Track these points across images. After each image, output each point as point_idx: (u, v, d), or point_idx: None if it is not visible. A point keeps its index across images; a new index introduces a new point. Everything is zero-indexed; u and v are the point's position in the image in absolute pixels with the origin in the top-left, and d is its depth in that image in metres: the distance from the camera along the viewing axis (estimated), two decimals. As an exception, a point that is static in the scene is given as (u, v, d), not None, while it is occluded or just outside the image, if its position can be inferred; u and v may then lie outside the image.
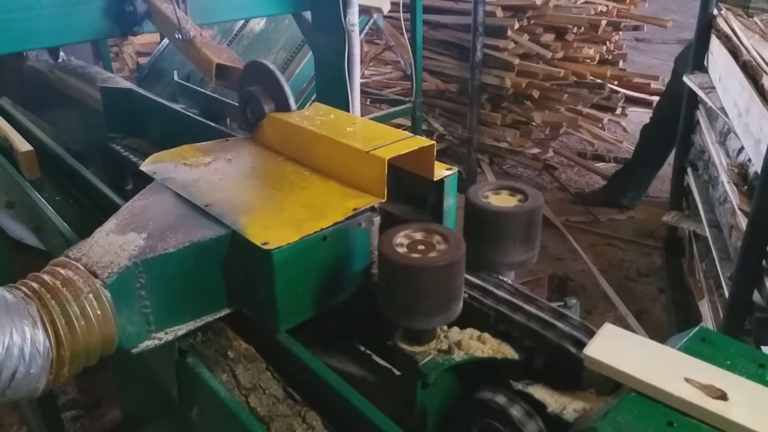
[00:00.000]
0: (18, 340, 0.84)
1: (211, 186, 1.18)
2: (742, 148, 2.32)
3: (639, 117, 5.12)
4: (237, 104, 1.45)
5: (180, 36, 1.66)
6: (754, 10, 3.09)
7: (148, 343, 1.01)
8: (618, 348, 0.86)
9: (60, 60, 2.60)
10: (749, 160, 2.22)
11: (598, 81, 4.72)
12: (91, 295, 0.91)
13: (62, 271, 0.93)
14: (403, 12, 3.69)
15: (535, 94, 4.57)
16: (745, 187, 2.19)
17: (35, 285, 0.91)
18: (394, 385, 1.02)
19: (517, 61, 4.46)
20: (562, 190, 4.75)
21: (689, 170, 3.20)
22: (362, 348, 1.17)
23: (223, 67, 1.57)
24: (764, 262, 1.98)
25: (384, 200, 1.11)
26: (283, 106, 1.34)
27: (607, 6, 4.71)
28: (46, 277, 0.92)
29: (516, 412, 0.88)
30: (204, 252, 1.02)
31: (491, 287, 1.09)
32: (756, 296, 2.02)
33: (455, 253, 0.94)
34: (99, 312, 0.91)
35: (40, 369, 0.87)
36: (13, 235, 3.06)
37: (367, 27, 3.56)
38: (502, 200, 1.15)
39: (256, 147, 1.36)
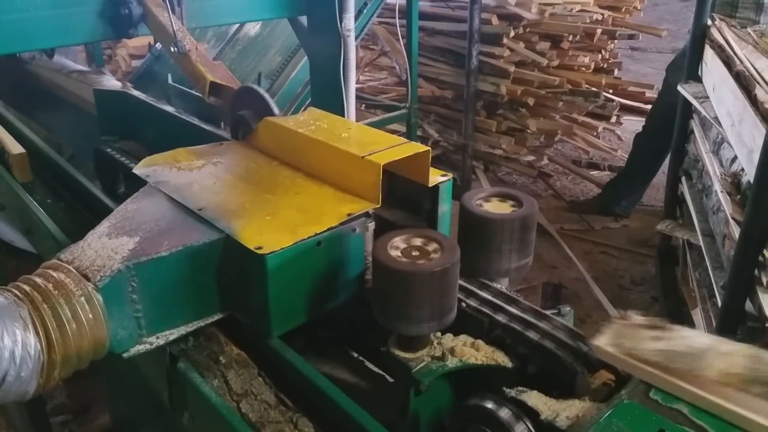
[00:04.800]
0: (9, 343, 0.84)
1: (205, 190, 1.18)
2: (735, 158, 2.33)
3: (634, 125, 5.14)
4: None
5: (176, 49, 1.66)
6: (740, 20, 3.11)
7: (139, 348, 1.00)
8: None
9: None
10: (742, 169, 2.23)
11: (593, 89, 4.74)
12: (82, 299, 0.90)
13: (54, 274, 0.92)
14: (399, 18, 3.70)
15: (531, 101, 4.58)
16: (738, 197, 2.20)
17: (27, 288, 0.90)
18: (387, 391, 1.02)
19: (512, 68, 4.47)
20: (556, 197, 4.75)
21: (683, 179, 3.21)
22: (355, 354, 1.17)
23: (217, 85, 1.58)
24: (756, 272, 1.98)
25: (378, 206, 1.11)
26: None
27: (602, 15, 4.74)
28: (38, 280, 0.92)
29: (504, 414, 0.87)
30: (197, 256, 1.02)
31: (485, 294, 1.09)
32: (748, 305, 2.02)
33: (449, 260, 0.94)
34: (90, 315, 0.91)
35: (31, 372, 0.86)
36: (3, 238, 3.04)
37: (362, 32, 3.57)
38: (497, 207, 1.15)
39: (251, 151, 1.36)
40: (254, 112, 1.37)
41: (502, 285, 1.15)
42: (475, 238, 1.12)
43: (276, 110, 1.35)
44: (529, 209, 1.13)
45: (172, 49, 1.67)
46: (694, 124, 3.09)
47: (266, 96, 1.36)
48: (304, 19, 2.53)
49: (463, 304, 1.06)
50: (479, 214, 1.11)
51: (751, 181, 2.00)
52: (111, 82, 2.04)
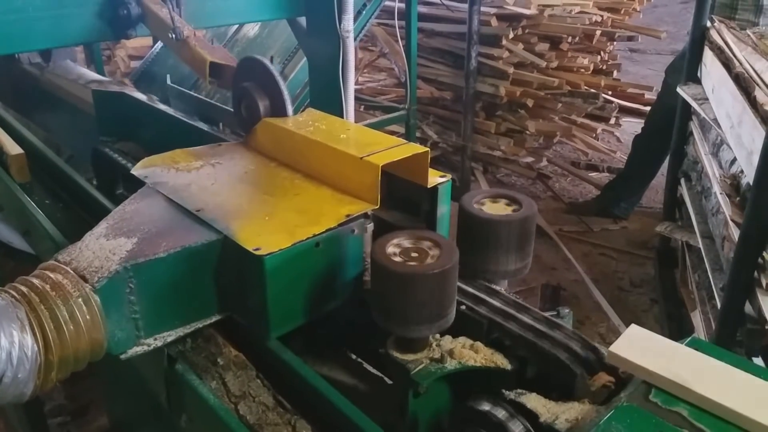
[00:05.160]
0: (6, 345, 0.83)
1: (203, 191, 1.18)
2: (734, 160, 2.33)
3: (633, 127, 5.14)
4: (230, 109, 1.44)
5: (174, 36, 1.65)
6: (740, 22, 3.12)
7: (137, 349, 1.00)
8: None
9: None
10: (742, 171, 2.23)
11: (593, 91, 4.74)
12: (80, 300, 0.90)
13: (51, 275, 0.92)
14: (398, 19, 3.70)
15: (530, 103, 4.58)
16: (738, 199, 2.20)
17: (24, 289, 0.90)
18: (386, 393, 1.02)
19: (511, 69, 4.47)
20: (555, 199, 4.75)
21: (682, 181, 3.21)
22: (354, 356, 1.17)
23: (217, 66, 1.56)
24: (756, 274, 1.98)
25: (377, 207, 1.11)
26: (278, 102, 1.32)
27: (601, 16, 4.74)
28: (35, 281, 0.91)
29: (505, 418, 0.87)
30: (195, 257, 1.01)
31: (484, 296, 1.08)
32: (747, 307, 2.02)
33: (448, 261, 0.93)
34: (88, 317, 0.90)
35: (28, 373, 0.86)
36: (1, 238, 3.03)
37: (361, 33, 3.57)
38: (496, 208, 1.15)
39: (249, 152, 1.35)
40: (258, 83, 1.34)
41: (501, 287, 1.15)
42: (474, 240, 1.12)
43: (280, 81, 1.32)
44: (528, 211, 1.13)
45: (170, 36, 1.66)
46: (694, 126, 3.09)
47: (270, 66, 1.32)
48: (303, 20, 2.53)
49: (463, 306, 1.05)
50: (478, 215, 1.11)
51: (751, 182, 2.00)
52: (135, 94, 2.02)
